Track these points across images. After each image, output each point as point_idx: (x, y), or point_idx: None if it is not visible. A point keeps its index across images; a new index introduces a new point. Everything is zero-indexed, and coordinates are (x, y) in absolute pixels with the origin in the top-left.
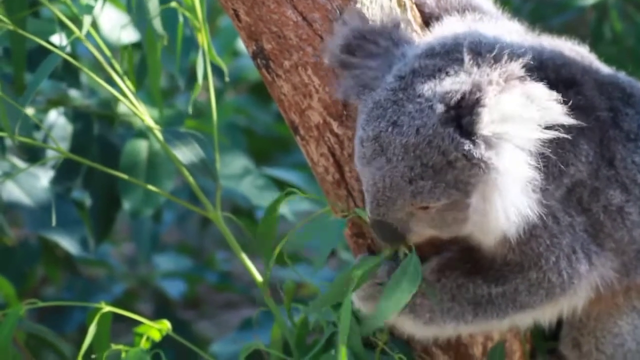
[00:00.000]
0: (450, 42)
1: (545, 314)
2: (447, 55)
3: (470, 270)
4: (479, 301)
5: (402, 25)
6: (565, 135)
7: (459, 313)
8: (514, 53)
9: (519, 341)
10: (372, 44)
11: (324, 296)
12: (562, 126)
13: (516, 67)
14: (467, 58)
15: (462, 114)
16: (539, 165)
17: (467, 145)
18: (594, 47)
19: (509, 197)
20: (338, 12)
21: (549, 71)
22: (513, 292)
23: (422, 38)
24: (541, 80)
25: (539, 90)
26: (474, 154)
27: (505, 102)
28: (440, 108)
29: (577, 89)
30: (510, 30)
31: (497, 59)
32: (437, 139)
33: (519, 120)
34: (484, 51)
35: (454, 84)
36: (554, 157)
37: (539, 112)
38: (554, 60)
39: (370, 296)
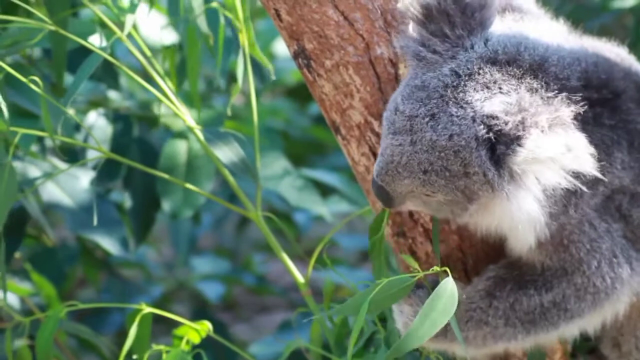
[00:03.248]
0: (511, 49)
1: (592, 322)
2: (506, 67)
3: (520, 281)
4: (533, 316)
5: (490, 5)
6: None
7: (512, 334)
8: (571, 88)
9: (560, 341)
10: (448, 25)
11: (345, 306)
12: (596, 139)
13: (566, 114)
14: (523, 91)
15: (499, 142)
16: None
17: (492, 171)
18: (633, 50)
19: (511, 213)
20: (379, 12)
21: (591, 90)
22: (562, 299)
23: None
24: (584, 101)
25: (579, 142)
26: (494, 179)
27: (543, 146)
28: (480, 126)
29: (616, 104)
30: (553, 32)
31: (553, 90)
32: (465, 152)
33: (550, 166)
34: (541, 70)
35: (503, 104)
36: None
37: (572, 162)
38: (598, 75)
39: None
